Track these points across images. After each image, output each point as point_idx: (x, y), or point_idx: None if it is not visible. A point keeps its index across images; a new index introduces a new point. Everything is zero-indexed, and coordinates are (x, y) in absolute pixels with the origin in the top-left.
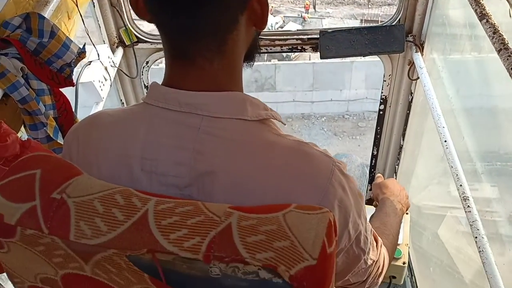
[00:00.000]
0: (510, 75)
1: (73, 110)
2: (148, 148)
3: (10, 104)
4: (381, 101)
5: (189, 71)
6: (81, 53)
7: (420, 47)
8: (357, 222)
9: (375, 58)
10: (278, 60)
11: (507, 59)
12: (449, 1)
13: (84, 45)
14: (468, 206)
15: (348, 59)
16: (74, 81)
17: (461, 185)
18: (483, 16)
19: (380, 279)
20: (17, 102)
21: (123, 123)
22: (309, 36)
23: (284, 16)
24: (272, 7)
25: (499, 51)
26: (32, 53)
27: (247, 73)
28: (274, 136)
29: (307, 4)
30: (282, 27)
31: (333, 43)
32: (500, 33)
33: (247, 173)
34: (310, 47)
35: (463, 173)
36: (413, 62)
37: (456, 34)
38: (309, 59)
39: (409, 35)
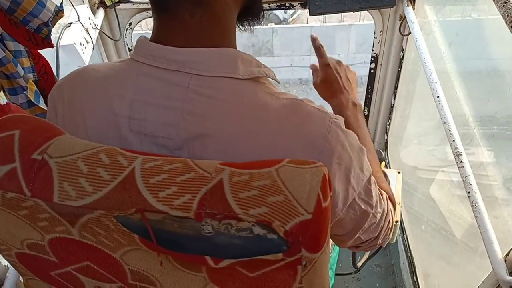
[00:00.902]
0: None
1: (55, 74)
2: (135, 107)
3: None
4: (372, 59)
5: (174, 26)
6: (59, 12)
7: (412, 0)
8: (360, 177)
9: (372, 21)
10: (275, 24)
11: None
12: None
13: (61, 3)
14: (461, 161)
15: (346, 22)
16: (54, 43)
17: (454, 140)
18: None
19: (391, 234)
20: None
21: (109, 81)
22: None
23: None
24: None
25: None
26: (6, 12)
27: (244, 37)
28: (267, 96)
29: None
30: None
31: None
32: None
33: (240, 136)
34: (298, 3)
35: (456, 129)
36: (405, 17)
37: None
38: (307, 23)
39: None
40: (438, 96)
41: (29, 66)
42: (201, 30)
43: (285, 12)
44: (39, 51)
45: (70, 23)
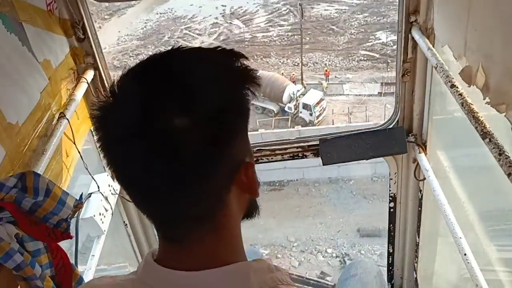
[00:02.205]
0: None
1: (72, 263)
2: None
3: (4, 271)
4: (390, 198)
5: (183, 252)
6: (78, 205)
7: (423, 146)
8: None
9: None
10: (302, 126)
11: None
12: (445, 101)
13: (81, 196)
14: None
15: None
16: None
17: None
18: (485, 135)
19: None
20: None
21: None
22: (309, 144)
23: (306, 83)
24: (293, 75)
25: (508, 175)
26: (27, 212)
27: None
28: None
29: (326, 71)
30: (303, 94)
31: (334, 149)
32: (506, 155)
33: None
34: (311, 153)
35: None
36: (418, 162)
37: (458, 132)
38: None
39: (410, 135)
40: (465, 254)
41: (47, 262)
42: (210, 253)
43: (311, 115)
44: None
45: (91, 194)
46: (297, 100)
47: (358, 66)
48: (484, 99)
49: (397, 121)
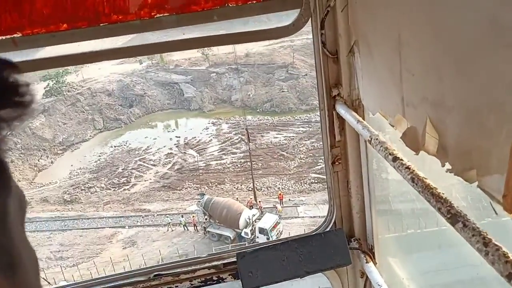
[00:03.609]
0: None
1: None
2: None
3: None
4: None
5: None
6: None
7: (370, 254)
8: None
9: None
10: None
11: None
12: (388, 183)
13: None
14: None
15: None
16: None
17: None
18: (454, 218)
19: None
20: None
21: None
22: (225, 261)
23: (261, 208)
24: (250, 199)
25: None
26: None
27: None
28: None
29: (280, 195)
30: (259, 219)
31: (257, 267)
32: (494, 243)
33: None
34: (229, 275)
35: None
36: (367, 275)
37: (413, 223)
38: None
39: (353, 240)
40: None
41: None
42: None
43: (268, 239)
44: None
45: None
46: (253, 225)
47: (310, 188)
48: (442, 166)
49: (334, 222)
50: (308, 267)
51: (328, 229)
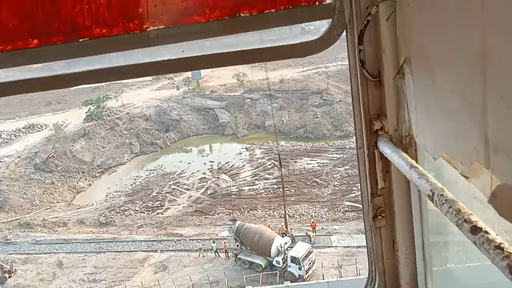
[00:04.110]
0: None
1: None
2: None
3: None
4: None
5: None
6: None
7: None
8: None
9: None
10: (291, 282)
11: None
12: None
13: None
14: None
15: None
16: None
17: None
18: None
19: None
20: None
21: None
22: None
23: (293, 236)
24: (281, 226)
25: None
26: None
27: None
28: None
29: (313, 223)
30: (291, 247)
31: None
32: None
33: None
34: None
35: None
36: None
37: None
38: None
39: None
40: None
41: None
42: None
43: (300, 269)
44: None
45: None
46: (285, 254)
47: (343, 217)
48: None
49: None
50: None
51: None
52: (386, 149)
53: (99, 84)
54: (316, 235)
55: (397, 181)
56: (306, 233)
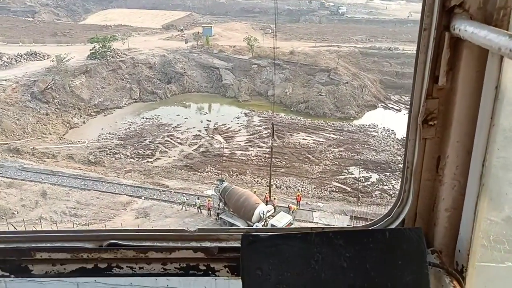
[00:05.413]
0: None
1: None
2: None
3: None
4: None
5: None
6: None
7: (459, 278)
8: None
9: None
10: None
11: None
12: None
13: None
14: None
15: None
16: None
17: None
18: None
19: None
20: None
21: None
22: (222, 244)
23: (276, 206)
24: (267, 194)
25: None
26: None
27: None
28: None
29: (298, 196)
30: (273, 216)
31: (272, 262)
32: None
33: None
34: (224, 266)
35: None
36: None
37: None
38: None
39: (430, 251)
40: None
41: None
42: None
43: None
44: None
45: None
46: (266, 221)
47: (329, 196)
48: None
49: (404, 218)
50: (355, 279)
51: (393, 226)
52: (464, 26)
53: (108, 24)
54: (297, 208)
55: (465, 78)
56: (288, 205)
